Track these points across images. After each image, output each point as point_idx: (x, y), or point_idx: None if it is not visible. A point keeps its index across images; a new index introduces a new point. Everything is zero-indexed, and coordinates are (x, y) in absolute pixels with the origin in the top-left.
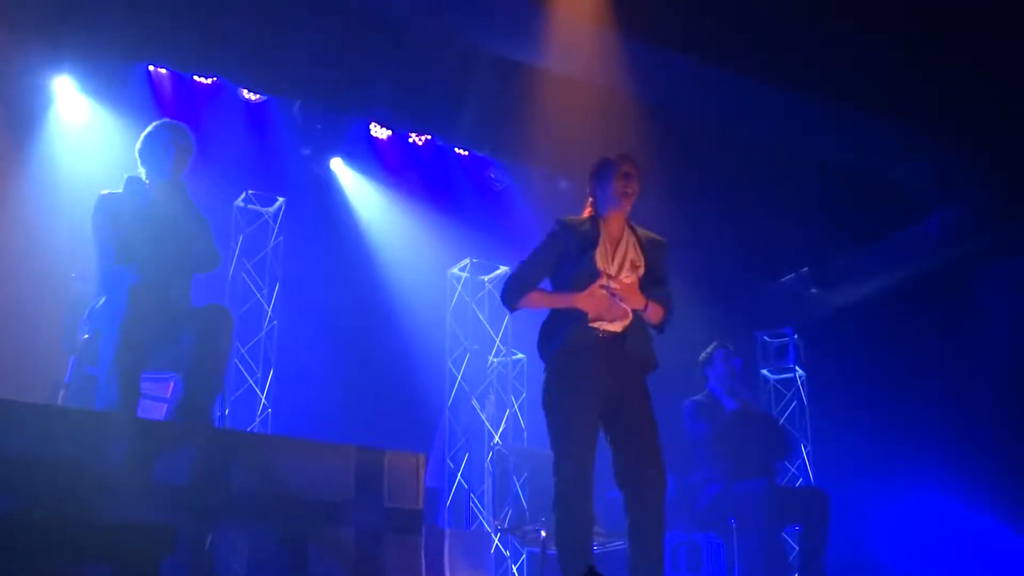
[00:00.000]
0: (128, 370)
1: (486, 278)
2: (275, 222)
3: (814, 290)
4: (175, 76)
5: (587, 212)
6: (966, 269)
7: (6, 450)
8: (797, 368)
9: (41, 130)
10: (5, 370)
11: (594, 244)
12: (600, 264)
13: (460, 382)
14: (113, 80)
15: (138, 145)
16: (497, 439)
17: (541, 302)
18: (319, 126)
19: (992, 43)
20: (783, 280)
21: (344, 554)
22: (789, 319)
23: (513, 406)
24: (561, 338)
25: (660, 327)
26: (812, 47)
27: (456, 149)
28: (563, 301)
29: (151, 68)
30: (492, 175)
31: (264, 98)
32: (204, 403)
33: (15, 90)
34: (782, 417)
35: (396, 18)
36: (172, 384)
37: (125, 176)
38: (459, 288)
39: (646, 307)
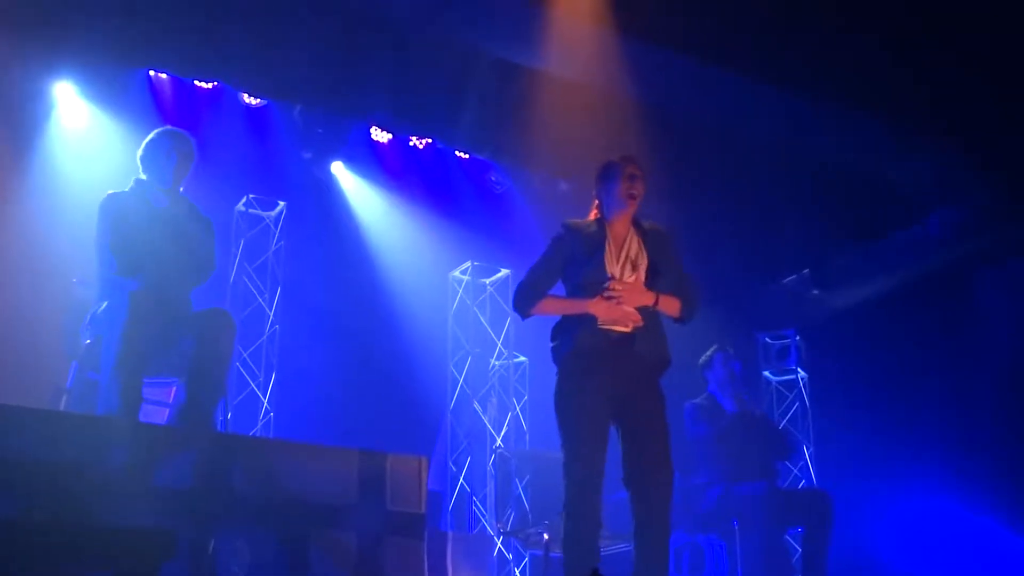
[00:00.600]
0: (130, 375)
1: (487, 281)
2: (276, 226)
3: (815, 291)
4: (176, 81)
5: (593, 215)
6: (966, 269)
7: (8, 454)
8: (799, 369)
9: (42, 135)
10: (7, 375)
11: (601, 247)
12: (608, 267)
13: (462, 385)
14: (114, 85)
15: (140, 152)
16: (499, 442)
17: (554, 308)
18: (320, 130)
19: (991, 43)
20: (784, 281)
21: (346, 558)
22: (790, 320)
23: (515, 409)
24: (572, 341)
25: (681, 318)
26: (812, 47)
27: (456, 152)
28: (576, 307)
29: (152, 73)
30: (493, 178)
31: (265, 102)
32: (206, 407)
33: (16, 95)
34: (784, 418)
35: (396, 21)
36: (174, 389)
37: (134, 178)
38: (460, 291)
39: (656, 302)
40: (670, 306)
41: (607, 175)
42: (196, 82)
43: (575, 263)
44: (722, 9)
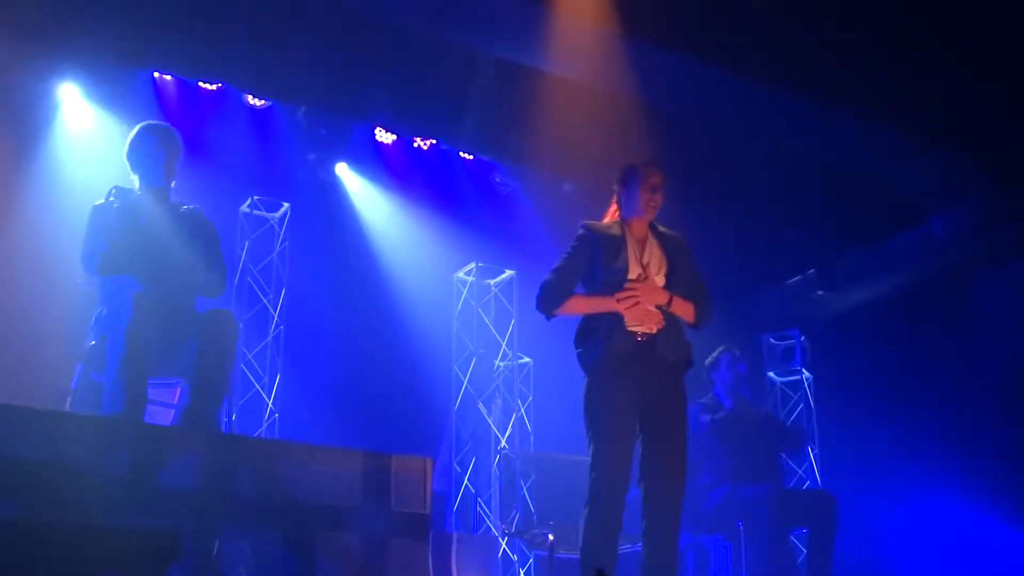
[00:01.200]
0: (134, 376)
1: (492, 282)
2: (281, 227)
3: (820, 292)
4: (180, 83)
5: (612, 215)
6: (969, 271)
7: (12, 455)
8: (803, 370)
9: (46, 137)
10: (11, 376)
11: (623, 247)
12: (632, 267)
13: (466, 386)
14: (118, 87)
15: (125, 150)
16: (504, 443)
17: (581, 307)
18: (324, 131)
19: (994, 44)
20: (789, 282)
21: (351, 559)
22: (795, 321)
23: (520, 410)
24: (602, 345)
25: (695, 323)
26: (815, 48)
27: (461, 153)
28: (604, 305)
29: (156, 75)
30: (497, 179)
31: (269, 104)
32: (210, 409)
33: (20, 97)
34: (788, 420)
35: (399, 22)
36: (178, 390)
37: (113, 188)
38: (465, 292)
39: (670, 302)
40: (684, 309)
41: (629, 179)
42: (200, 83)
43: (597, 264)
44: (725, 10)
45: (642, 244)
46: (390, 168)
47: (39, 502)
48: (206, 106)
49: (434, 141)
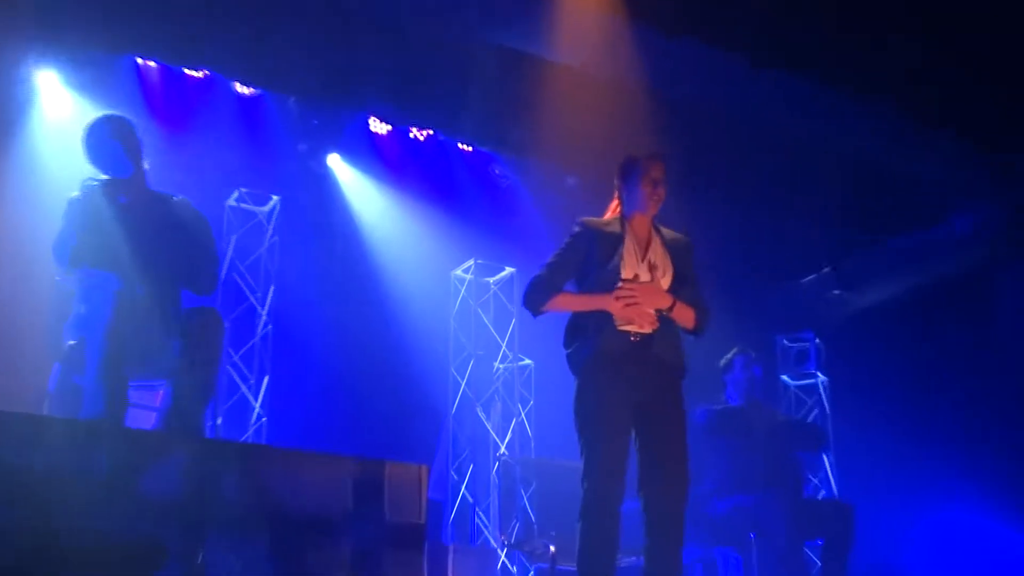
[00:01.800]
0: (115, 378)
1: (491, 280)
2: (269, 221)
3: (836, 291)
4: (164, 69)
5: (613, 211)
6: (991, 269)
7: None
8: (818, 373)
9: (24, 126)
10: None
11: (620, 246)
12: (628, 266)
13: (464, 389)
14: (99, 73)
15: (83, 147)
16: (503, 449)
17: (569, 304)
18: (315, 121)
19: (1021, 38)
20: (804, 281)
21: (341, 570)
22: (810, 322)
23: (520, 414)
24: (592, 343)
25: (695, 331)
26: (832, 35)
27: (459, 144)
28: (593, 303)
29: (139, 61)
30: (497, 171)
31: (258, 92)
32: (194, 412)
33: None
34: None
35: (395, 7)
36: (161, 392)
37: (86, 179)
38: (463, 290)
39: (672, 307)
40: (685, 315)
41: (629, 172)
42: (186, 70)
43: (592, 262)
44: None
45: (645, 243)
46: (385, 160)
47: (15, 509)
48: (192, 94)
49: (431, 132)
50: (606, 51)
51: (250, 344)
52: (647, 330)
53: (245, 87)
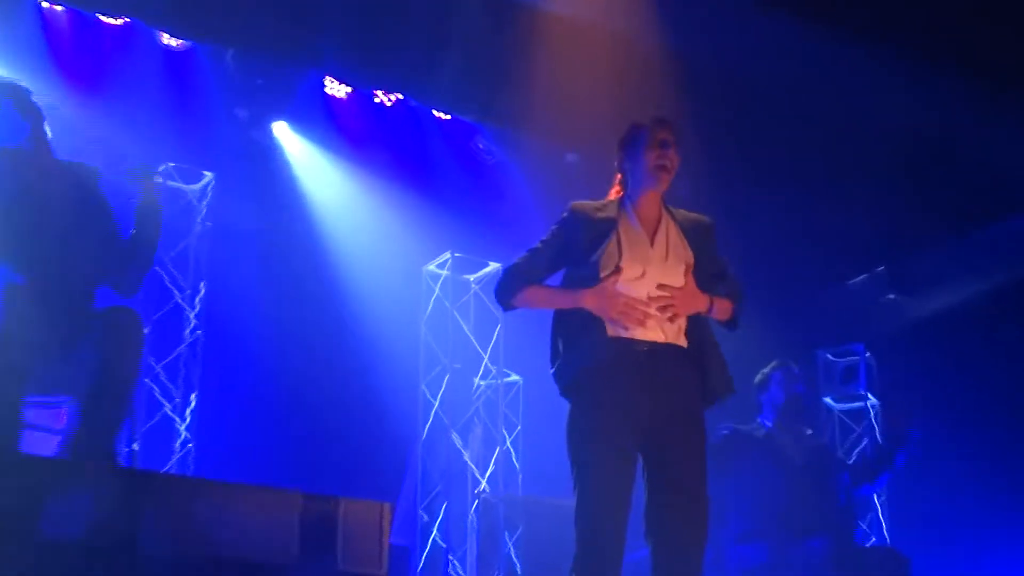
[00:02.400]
0: (7, 393)
1: (471, 278)
2: (201, 203)
3: (892, 295)
4: (74, 15)
5: (614, 193)
6: None
7: None
8: (869, 395)
9: None
10: None
11: (608, 237)
12: (629, 257)
13: (437, 411)
14: None
15: None
16: (484, 484)
17: (541, 299)
18: (259, 81)
19: None
20: (852, 283)
21: None
22: (859, 333)
23: (505, 442)
24: (582, 356)
25: (732, 323)
26: None
27: (435, 112)
28: (567, 299)
29: (43, 4)
30: (480, 145)
31: (189, 45)
32: (106, 436)
33: None
34: (849, 458)
35: None
36: (66, 411)
37: None
38: (437, 290)
39: (711, 308)
40: (723, 311)
41: (632, 142)
42: (101, 16)
43: (574, 255)
44: None
45: (653, 225)
46: (343, 129)
47: None
48: (107, 45)
49: (400, 96)
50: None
51: (175, 353)
52: (659, 337)
53: (173, 38)
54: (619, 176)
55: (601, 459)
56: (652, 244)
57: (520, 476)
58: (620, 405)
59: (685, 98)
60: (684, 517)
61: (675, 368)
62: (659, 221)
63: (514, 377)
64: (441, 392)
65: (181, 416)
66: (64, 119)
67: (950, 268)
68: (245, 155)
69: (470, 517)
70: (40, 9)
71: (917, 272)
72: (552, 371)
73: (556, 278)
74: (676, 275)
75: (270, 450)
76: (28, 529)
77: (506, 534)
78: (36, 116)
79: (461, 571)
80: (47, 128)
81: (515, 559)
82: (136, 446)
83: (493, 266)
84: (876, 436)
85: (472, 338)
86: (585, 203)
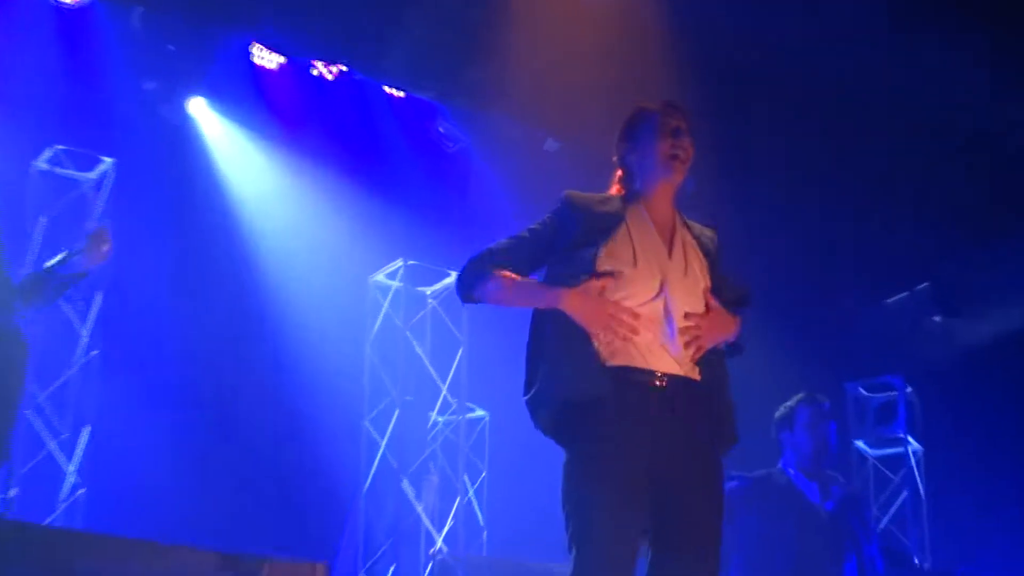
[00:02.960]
0: None
1: (428, 291)
2: (97, 195)
3: (936, 318)
4: None
5: (614, 191)
6: None
7: None
8: (909, 439)
9: None
10: None
11: (613, 231)
12: (645, 265)
13: (384, 453)
14: None
15: None
16: (440, 543)
17: (512, 292)
18: (171, 46)
19: None
20: (889, 302)
21: None
22: (898, 362)
23: (467, 492)
24: (571, 385)
25: (737, 346)
26: None
27: (386, 88)
28: (543, 297)
29: None
30: (441, 129)
31: (84, 2)
32: None
33: None
34: (885, 516)
35: None
36: None
37: None
38: (386, 305)
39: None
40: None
41: (639, 129)
42: None
43: (572, 250)
44: None
45: (669, 232)
46: (274, 108)
47: None
48: None
49: (344, 68)
50: None
51: (64, 379)
52: (673, 368)
53: None
54: (620, 172)
55: (611, 515)
56: (670, 255)
57: (485, 533)
58: (632, 449)
59: (688, 81)
60: None
61: (691, 408)
62: (675, 228)
63: (479, 412)
64: (389, 430)
65: (69, 456)
66: None
67: (1005, 285)
68: (153, 137)
69: None
70: None
71: (968, 289)
72: (526, 399)
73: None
74: (696, 296)
75: (180, 498)
76: None
77: None
78: None
79: None
80: None
81: None
82: (13, 492)
83: (454, 276)
84: (917, 488)
85: (428, 364)
86: (584, 193)
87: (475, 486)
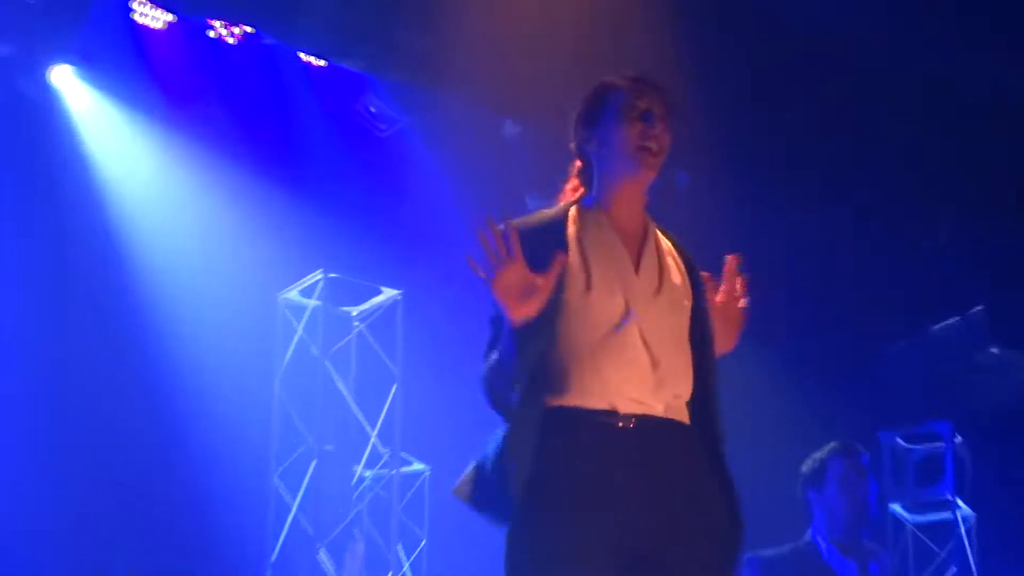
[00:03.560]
0: None
1: (354, 311)
2: None
3: (994, 350)
4: None
5: (571, 191)
6: None
7: None
8: (958, 501)
9: None
10: None
11: (560, 243)
12: (598, 280)
13: (296, 516)
14: None
15: None
16: None
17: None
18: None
19: None
20: (935, 330)
21: None
22: (944, 406)
23: (402, 565)
24: (520, 434)
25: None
26: None
27: (302, 55)
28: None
29: None
30: (372, 108)
31: None
32: None
33: None
34: None
35: None
36: None
37: None
38: (300, 329)
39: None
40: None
41: (601, 109)
42: None
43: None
44: None
45: (638, 242)
46: (160, 78)
47: None
48: None
49: (250, 29)
50: None
51: None
52: (657, 407)
53: None
54: (579, 164)
55: None
56: (637, 270)
57: None
58: (601, 513)
59: (680, 51)
60: None
61: (680, 457)
62: (644, 237)
63: (417, 466)
64: (304, 486)
65: None
66: None
67: None
68: (5, 115)
69: None
70: None
71: None
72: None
73: None
74: (678, 316)
75: (45, 568)
76: None
77: None
78: None
79: None
80: None
81: None
82: None
83: (387, 294)
84: (969, 563)
85: (353, 404)
86: (529, 219)
87: (411, 558)
